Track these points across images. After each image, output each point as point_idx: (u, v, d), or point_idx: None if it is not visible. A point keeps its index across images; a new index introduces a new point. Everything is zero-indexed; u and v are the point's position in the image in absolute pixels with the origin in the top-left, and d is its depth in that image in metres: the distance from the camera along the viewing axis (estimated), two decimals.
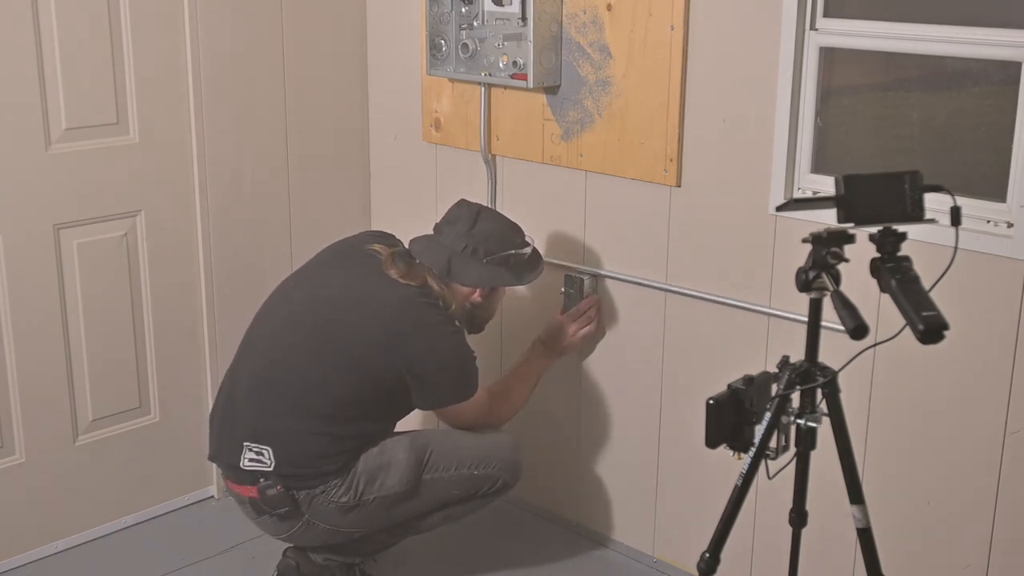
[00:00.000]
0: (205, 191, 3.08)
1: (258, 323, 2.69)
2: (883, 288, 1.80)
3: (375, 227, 3.41)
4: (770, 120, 2.50)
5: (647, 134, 2.71)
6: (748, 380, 2.00)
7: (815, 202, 1.93)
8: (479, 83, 3.00)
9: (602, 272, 2.91)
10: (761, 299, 2.60)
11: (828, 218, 1.86)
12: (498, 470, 2.67)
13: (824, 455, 2.01)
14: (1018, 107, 2.18)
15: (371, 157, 3.44)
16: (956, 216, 1.83)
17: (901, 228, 1.82)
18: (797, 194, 2.52)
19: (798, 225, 2.41)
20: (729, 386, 1.99)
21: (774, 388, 1.98)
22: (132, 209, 2.98)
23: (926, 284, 1.78)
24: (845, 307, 1.79)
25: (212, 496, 3.30)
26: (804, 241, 1.90)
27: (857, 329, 1.75)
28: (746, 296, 2.63)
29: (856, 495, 1.99)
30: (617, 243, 2.87)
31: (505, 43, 2.83)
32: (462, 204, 2.66)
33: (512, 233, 2.66)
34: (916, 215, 1.81)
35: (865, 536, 2.01)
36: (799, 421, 1.99)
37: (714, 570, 2.06)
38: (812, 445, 2.02)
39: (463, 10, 2.90)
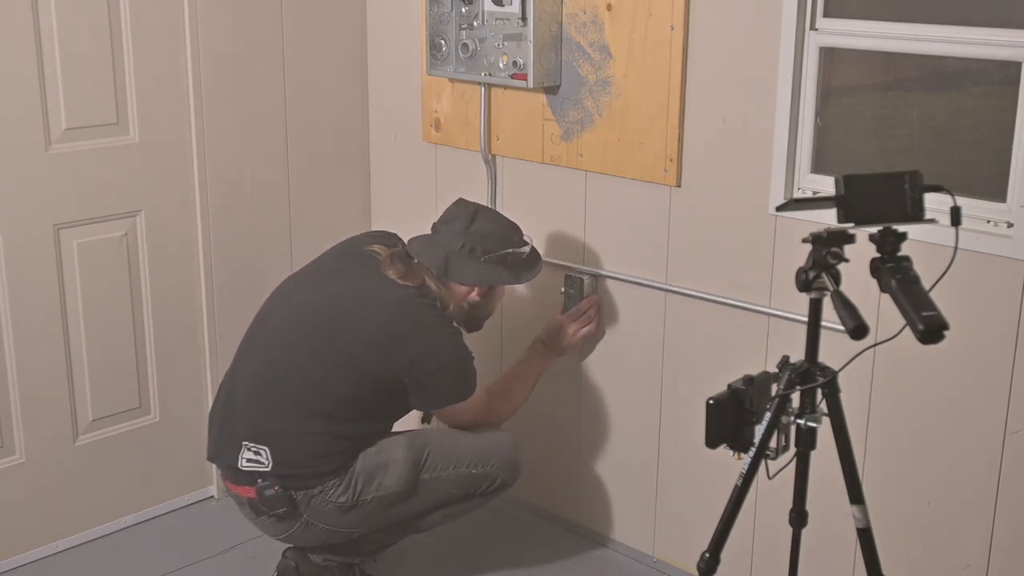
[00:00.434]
0: (205, 191, 3.08)
1: (258, 323, 2.69)
2: (883, 288, 1.80)
3: (375, 227, 3.41)
4: (770, 120, 2.50)
5: (647, 134, 2.71)
6: (748, 380, 2.00)
7: (815, 202, 1.93)
8: (479, 83, 3.00)
9: (602, 272, 2.91)
10: (761, 299, 2.60)
11: (828, 218, 1.86)
12: (497, 469, 2.67)
13: (824, 455, 2.01)
14: (1018, 107, 2.18)
15: (371, 157, 3.44)
16: (956, 216, 1.83)
17: (901, 228, 1.82)
18: (797, 194, 2.52)
19: (798, 225, 2.41)
20: (729, 386, 1.99)
21: (774, 388, 1.98)
22: (132, 209, 2.98)
23: (926, 284, 1.78)
24: (845, 307, 1.79)
25: (212, 496, 3.30)
26: (804, 241, 1.90)
27: (857, 329, 1.75)
28: (746, 296, 2.63)
29: (856, 495, 1.99)
30: (617, 243, 2.87)
31: (505, 43, 2.83)
32: (460, 203, 2.66)
33: (510, 232, 2.66)
34: (916, 215, 1.81)
35: (865, 536, 2.01)
36: (799, 421, 1.99)
37: (714, 570, 2.06)
38: (812, 445, 2.01)
39: (463, 10, 2.90)
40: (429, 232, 2.66)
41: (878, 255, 1.82)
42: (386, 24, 3.31)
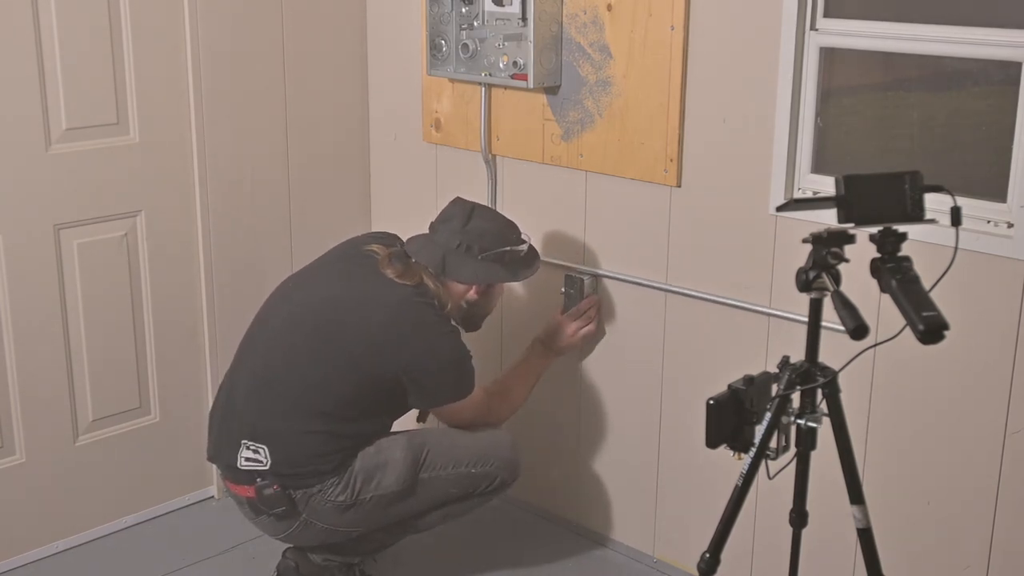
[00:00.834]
0: (205, 191, 3.08)
1: (258, 323, 2.70)
2: (883, 288, 1.80)
3: (375, 227, 3.41)
4: (770, 120, 2.50)
5: (647, 134, 2.71)
6: (748, 380, 2.00)
7: (815, 202, 1.93)
8: (479, 83, 3.00)
9: (602, 272, 2.91)
10: (761, 299, 2.60)
11: (828, 218, 1.86)
12: (496, 468, 2.67)
13: (824, 455, 2.01)
14: (1018, 107, 2.18)
15: (371, 157, 3.44)
16: (956, 216, 1.83)
17: (901, 228, 1.82)
18: (797, 194, 2.52)
19: (798, 225, 2.41)
20: (729, 386, 1.99)
21: (774, 388, 1.98)
22: (132, 209, 2.98)
23: (926, 284, 1.78)
24: (845, 307, 1.79)
25: (212, 496, 3.30)
26: (804, 241, 1.90)
27: (857, 329, 1.75)
28: (746, 296, 2.63)
29: (856, 495, 1.99)
30: (617, 243, 2.87)
31: (505, 43, 2.83)
32: (456, 202, 2.67)
33: (507, 230, 2.66)
34: (916, 215, 1.81)
35: (865, 536, 2.01)
36: (799, 421, 1.99)
37: (714, 570, 2.06)
38: (812, 445, 2.01)
39: (463, 10, 2.90)
40: (427, 231, 2.66)
41: (878, 255, 1.82)
42: (386, 24, 3.31)
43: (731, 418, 1.98)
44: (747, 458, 1.99)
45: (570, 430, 3.09)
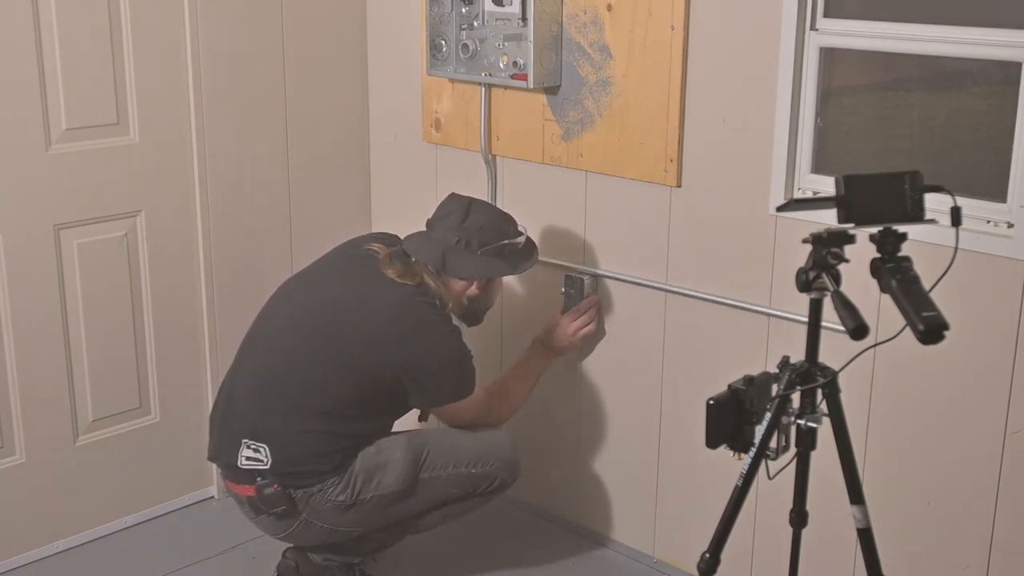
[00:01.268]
0: (205, 191, 3.08)
1: (259, 324, 2.70)
2: (883, 288, 1.80)
3: (375, 227, 3.41)
4: (770, 120, 2.50)
5: (647, 134, 2.71)
6: (748, 380, 2.00)
7: (815, 202, 1.93)
8: (479, 83, 3.00)
9: (602, 272, 2.91)
10: (761, 299, 2.60)
11: (828, 218, 1.86)
12: (496, 469, 2.67)
13: (824, 455, 2.01)
14: (1018, 107, 2.18)
15: (371, 157, 3.44)
16: (956, 216, 1.83)
17: (901, 228, 1.82)
18: (797, 194, 2.52)
19: (798, 225, 2.41)
20: (729, 386, 1.99)
21: (774, 388, 1.98)
22: (132, 209, 2.98)
23: (926, 284, 1.78)
24: (845, 307, 1.79)
25: (212, 496, 3.30)
26: (804, 241, 1.90)
27: (857, 329, 1.75)
28: (746, 296, 2.63)
29: (856, 495, 1.99)
30: (617, 243, 2.87)
31: (505, 43, 2.83)
32: (453, 198, 2.67)
33: (504, 223, 2.66)
34: (916, 215, 1.81)
35: (865, 536, 2.01)
36: (799, 421, 1.99)
37: (714, 570, 2.06)
38: (812, 445, 2.01)
39: (463, 10, 2.90)
40: (424, 229, 2.66)
41: (878, 255, 1.82)
42: (386, 24, 3.31)
43: (731, 418, 1.98)
44: (747, 458, 1.99)
45: (570, 430, 3.09)
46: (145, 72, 2.91)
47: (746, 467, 1.99)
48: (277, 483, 2.51)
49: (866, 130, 2.52)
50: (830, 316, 1.88)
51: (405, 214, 3.26)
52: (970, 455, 2.34)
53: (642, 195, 2.78)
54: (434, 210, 2.68)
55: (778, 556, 2.51)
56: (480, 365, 2.67)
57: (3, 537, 2.89)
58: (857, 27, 2.39)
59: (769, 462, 2.00)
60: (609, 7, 2.72)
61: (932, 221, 1.84)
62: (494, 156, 3.08)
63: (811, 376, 1.96)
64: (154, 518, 3.18)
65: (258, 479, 2.53)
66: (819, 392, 1.96)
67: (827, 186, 2.43)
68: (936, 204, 1.88)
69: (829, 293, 1.87)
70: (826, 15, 2.43)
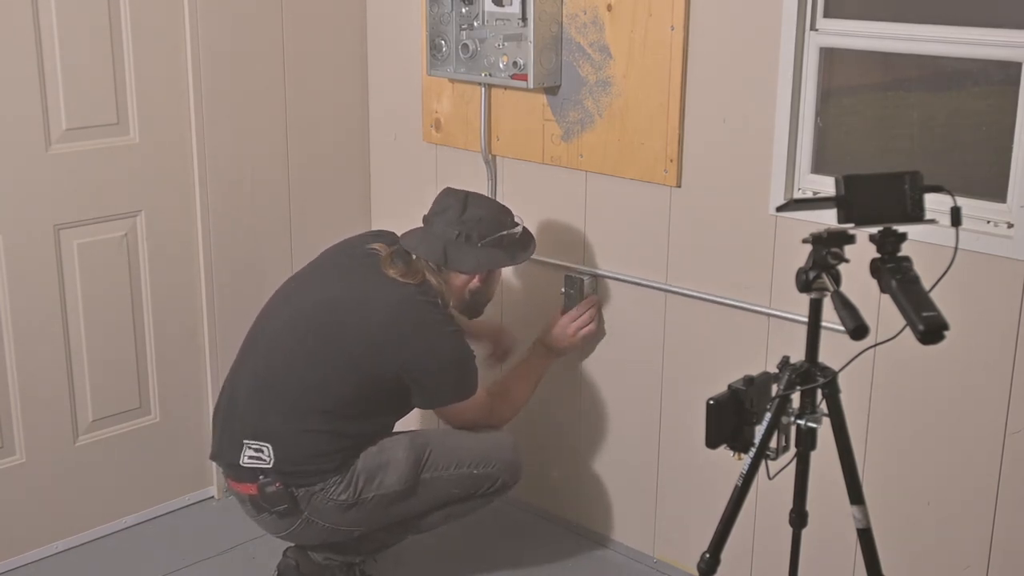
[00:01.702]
0: (205, 191, 3.08)
1: (260, 324, 2.70)
2: (883, 288, 1.80)
3: (375, 227, 3.41)
4: (770, 120, 2.50)
5: (647, 134, 2.71)
6: (748, 380, 2.00)
7: (815, 202, 1.93)
8: (479, 83, 3.00)
9: (602, 272, 2.91)
10: (761, 299, 2.60)
11: (828, 218, 1.86)
12: (498, 470, 2.67)
13: (824, 455, 2.01)
14: (1018, 107, 2.18)
15: (371, 157, 3.44)
16: (956, 216, 1.83)
17: (901, 228, 1.82)
18: (797, 194, 2.52)
19: (798, 225, 2.41)
20: (729, 386, 1.99)
21: (774, 388, 1.98)
22: (132, 209, 2.98)
23: (926, 284, 1.78)
24: (845, 307, 1.79)
25: (212, 496, 3.30)
26: (804, 241, 1.90)
27: (857, 329, 1.75)
28: (746, 296, 2.63)
29: (856, 495, 1.99)
30: (617, 243, 2.87)
31: (505, 43, 2.83)
32: (448, 192, 2.66)
33: (502, 214, 2.66)
34: (916, 215, 1.81)
35: (865, 536, 2.01)
36: (799, 421, 1.99)
37: (714, 570, 2.06)
38: (812, 445, 2.02)
39: (463, 10, 2.90)
40: (421, 225, 2.66)
41: (878, 255, 1.82)
42: (386, 24, 3.31)
43: (731, 418, 1.98)
44: (747, 458, 1.99)
45: (570, 430, 3.09)
46: (145, 72, 2.91)
47: (746, 467, 1.99)
48: (279, 481, 2.51)
49: (866, 130, 2.52)
50: (830, 316, 1.88)
51: (405, 214, 3.25)
52: (970, 455, 2.34)
53: (642, 195, 2.78)
54: (430, 205, 2.67)
55: (778, 556, 2.51)
56: (481, 367, 2.67)
57: (3, 537, 2.89)
58: (857, 27, 2.39)
59: (769, 462, 2.00)
60: (609, 7, 2.72)
61: (932, 221, 1.84)
62: (494, 156, 3.08)
63: (811, 376, 1.96)
64: (154, 518, 3.18)
65: (260, 477, 2.53)
66: (819, 392, 1.96)
67: (827, 186, 2.43)
68: (936, 204, 1.88)
69: (829, 293, 1.87)
70: (826, 15, 2.43)
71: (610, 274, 2.89)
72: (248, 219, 3.19)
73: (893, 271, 1.79)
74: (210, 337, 3.17)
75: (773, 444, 1.99)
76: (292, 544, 2.73)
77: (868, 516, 2.00)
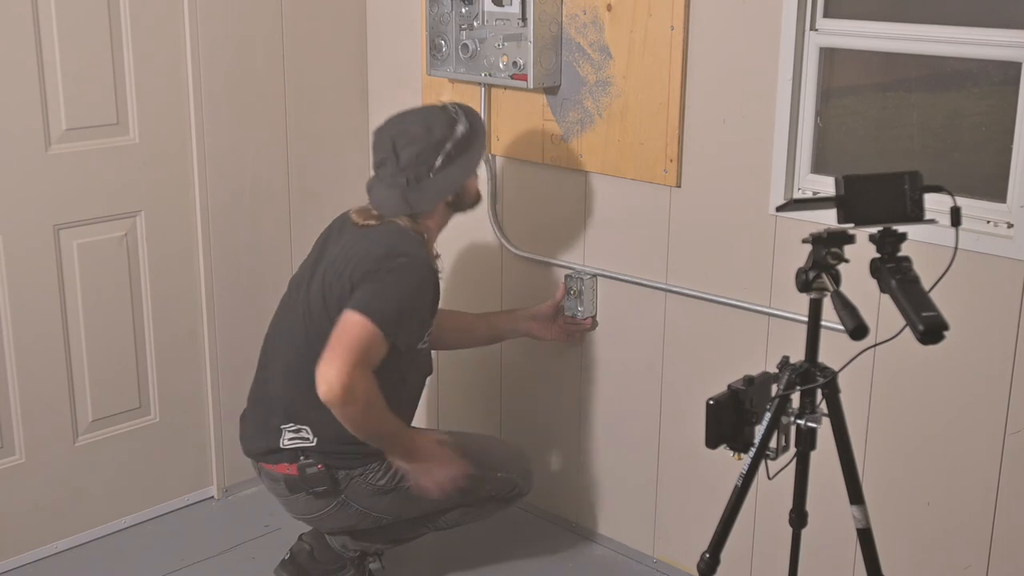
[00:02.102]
0: (205, 191, 3.08)
1: (275, 324, 2.69)
2: (883, 288, 1.80)
3: None
4: (770, 120, 2.50)
5: (647, 134, 2.71)
6: (748, 380, 2.00)
7: (815, 202, 1.93)
8: (479, 83, 3.00)
9: (602, 272, 2.91)
10: (761, 299, 2.60)
11: (828, 218, 1.86)
12: (517, 477, 2.75)
13: (824, 455, 2.01)
14: (1018, 107, 2.18)
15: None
16: (956, 216, 1.83)
17: (901, 228, 1.82)
18: (797, 194, 2.52)
19: (798, 225, 2.41)
20: (729, 386, 1.99)
21: (774, 388, 1.98)
22: (132, 209, 2.98)
23: (926, 284, 1.78)
24: (845, 307, 1.79)
25: (212, 496, 3.30)
26: (804, 241, 1.90)
27: (857, 329, 1.75)
28: (746, 296, 2.63)
29: (856, 495, 1.99)
30: (617, 243, 2.87)
31: (505, 43, 2.83)
32: (377, 140, 2.55)
33: (433, 132, 2.50)
34: (916, 215, 1.81)
35: (865, 536, 2.01)
36: (799, 421, 1.99)
37: (714, 570, 2.06)
38: (812, 445, 2.02)
39: (463, 10, 2.90)
40: (375, 176, 2.59)
41: (878, 255, 1.82)
42: (386, 24, 3.31)
43: (731, 418, 1.98)
44: (747, 458, 1.99)
45: (570, 430, 3.09)
46: (145, 72, 2.91)
47: (746, 467, 1.99)
48: (321, 463, 2.52)
49: (866, 130, 2.52)
50: (830, 316, 1.88)
51: None
52: (970, 455, 2.34)
53: (642, 195, 2.78)
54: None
55: (778, 556, 2.51)
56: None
57: (3, 537, 2.89)
58: (857, 27, 2.39)
59: (769, 462, 2.00)
60: (609, 7, 2.72)
61: (932, 221, 1.84)
62: (494, 156, 3.08)
63: (811, 376, 1.97)
64: (154, 518, 3.18)
65: (301, 458, 2.53)
66: (819, 392, 1.96)
67: (827, 186, 2.43)
68: (936, 204, 1.88)
69: (829, 293, 1.87)
70: (826, 15, 2.43)
71: (610, 274, 2.89)
72: (248, 219, 3.19)
73: (893, 271, 1.79)
74: (210, 337, 3.17)
75: (773, 444, 1.99)
76: (309, 529, 2.73)
77: (868, 516, 2.00)
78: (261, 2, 3.09)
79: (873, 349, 1.99)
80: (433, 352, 2.76)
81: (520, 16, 2.77)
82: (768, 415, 1.96)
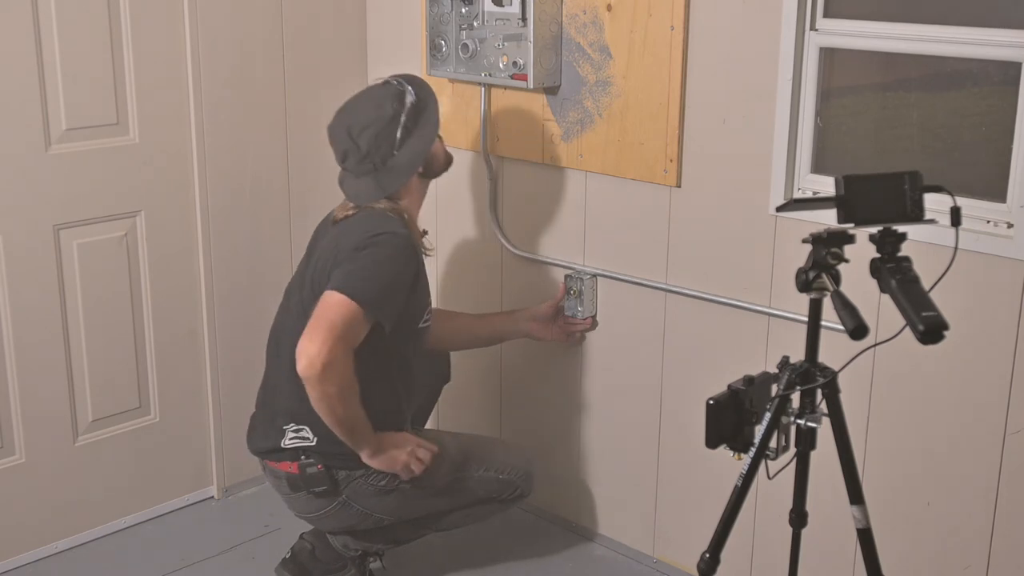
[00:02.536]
0: (205, 191, 3.08)
1: (278, 322, 2.69)
2: (883, 288, 1.80)
3: None
4: (770, 120, 2.50)
5: (647, 134, 2.71)
6: (748, 380, 2.00)
7: (815, 202, 1.93)
8: (479, 83, 3.00)
9: (602, 272, 2.91)
10: (761, 299, 2.60)
11: (828, 218, 1.86)
12: (519, 479, 2.74)
13: (824, 455, 2.01)
14: (1018, 107, 2.18)
15: None
16: (956, 216, 1.83)
17: (901, 228, 1.82)
18: (797, 194, 2.52)
19: (798, 225, 2.41)
20: (729, 386, 1.99)
21: (774, 388, 1.98)
22: (132, 209, 2.98)
23: (926, 284, 1.78)
24: (845, 307, 1.79)
25: (212, 496, 3.30)
26: (804, 241, 1.90)
27: (857, 329, 1.75)
28: (746, 296, 2.63)
29: (856, 495, 1.99)
30: (617, 243, 2.87)
31: (505, 43, 2.83)
32: (333, 136, 2.55)
33: (383, 106, 2.50)
34: (916, 215, 1.81)
35: (865, 536, 2.01)
36: (799, 421, 1.99)
37: (714, 570, 2.06)
38: (812, 445, 2.02)
39: (463, 10, 2.90)
40: (343, 170, 2.59)
41: (878, 255, 1.82)
42: (386, 24, 3.31)
43: (731, 418, 1.98)
44: (747, 458, 1.99)
45: (570, 429, 3.09)
46: (145, 72, 2.91)
47: (746, 467, 1.99)
48: (321, 463, 2.52)
49: (866, 130, 2.52)
50: (830, 316, 1.88)
51: None
52: (970, 455, 2.34)
53: (642, 195, 2.78)
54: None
55: (778, 556, 2.51)
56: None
57: (3, 537, 2.89)
58: (857, 27, 2.39)
59: (769, 462, 2.00)
60: (609, 7, 2.72)
61: (932, 221, 1.84)
62: (494, 156, 3.08)
63: (811, 376, 1.96)
64: (154, 518, 3.18)
65: (302, 457, 2.53)
66: (819, 392, 1.96)
67: (827, 186, 2.43)
68: (936, 204, 1.88)
69: (829, 293, 1.87)
70: (826, 15, 2.43)
71: (610, 274, 2.89)
72: (248, 219, 3.19)
73: (893, 271, 1.79)
74: (210, 337, 3.17)
75: (773, 444, 1.99)
76: (311, 528, 2.74)
77: (868, 516, 2.00)
78: (261, 2, 3.09)
79: (873, 349, 1.99)
80: None
81: (520, 16, 2.77)
82: (768, 415, 1.96)
